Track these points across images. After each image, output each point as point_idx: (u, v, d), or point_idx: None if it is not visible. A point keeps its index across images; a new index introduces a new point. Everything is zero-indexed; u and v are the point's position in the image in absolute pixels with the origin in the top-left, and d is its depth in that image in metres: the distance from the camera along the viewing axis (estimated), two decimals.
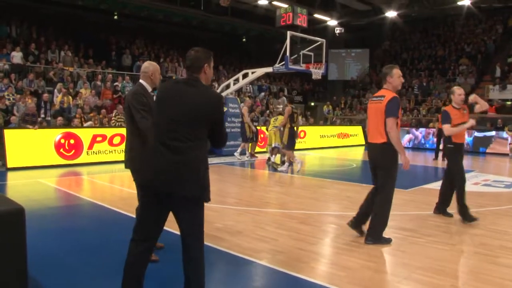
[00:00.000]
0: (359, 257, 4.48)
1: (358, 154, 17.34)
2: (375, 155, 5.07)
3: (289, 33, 13.00)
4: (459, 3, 22.49)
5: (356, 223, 5.25)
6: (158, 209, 2.98)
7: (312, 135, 18.95)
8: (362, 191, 8.55)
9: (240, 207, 6.79)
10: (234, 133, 14.08)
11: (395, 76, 4.94)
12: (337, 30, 26.59)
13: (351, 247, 4.81)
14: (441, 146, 14.81)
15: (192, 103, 2.92)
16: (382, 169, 4.99)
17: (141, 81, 4.19)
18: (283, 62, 13.07)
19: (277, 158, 11.86)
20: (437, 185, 9.18)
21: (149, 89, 4.16)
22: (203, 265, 3.02)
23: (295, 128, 11.14)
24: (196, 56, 3.05)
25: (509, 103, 21.60)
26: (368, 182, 9.51)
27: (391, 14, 24.19)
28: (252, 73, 14.20)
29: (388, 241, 4.98)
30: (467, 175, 10.61)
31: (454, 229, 5.70)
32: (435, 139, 16.63)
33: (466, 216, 5.95)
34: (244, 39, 30.46)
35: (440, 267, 4.26)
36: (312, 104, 28.65)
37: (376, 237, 4.94)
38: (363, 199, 5.29)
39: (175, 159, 2.86)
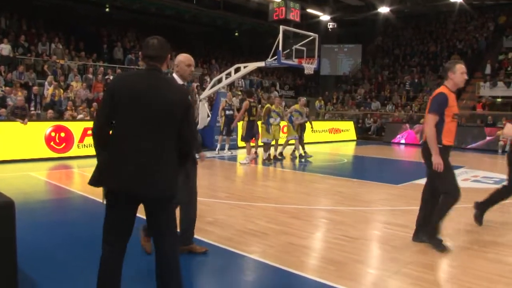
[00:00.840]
0: (349, 251, 4.50)
1: (350, 149, 17.41)
2: (422, 154, 4.78)
3: (281, 27, 12.96)
4: (451, 0, 22.58)
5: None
6: (131, 209, 2.84)
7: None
8: (353, 186, 8.62)
9: (231, 201, 6.79)
10: None
11: (458, 72, 4.60)
12: (330, 25, 26.62)
13: (342, 241, 4.83)
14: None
15: (164, 98, 2.72)
16: (429, 169, 4.72)
17: (173, 73, 4.06)
18: (276, 57, 13.05)
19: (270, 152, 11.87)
20: None
21: (180, 81, 3.93)
22: (180, 267, 2.92)
23: (257, 121, 11.78)
24: (161, 46, 2.85)
25: (499, 100, 21.77)
26: (359, 177, 9.60)
27: (383, 9, 24.25)
28: (244, 67, 14.16)
29: (442, 247, 4.57)
30: (457, 171, 10.73)
31: (444, 224, 5.73)
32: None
33: (480, 219, 5.70)
34: (236, 33, 30.37)
35: (430, 262, 4.29)
36: (304, 99, 28.63)
37: (430, 235, 4.68)
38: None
39: (149, 161, 2.69)
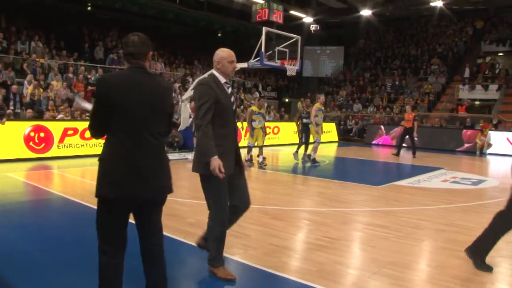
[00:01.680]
0: (330, 252, 4.53)
1: (331, 151, 17.52)
2: None
3: (264, 29, 12.97)
4: (432, 4, 22.92)
5: None
6: (128, 214, 2.80)
7: (285, 131, 19.05)
8: (335, 187, 8.68)
9: None
10: None
11: None
12: (313, 27, 26.75)
13: (323, 242, 4.86)
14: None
15: (156, 96, 2.74)
16: None
17: (212, 70, 3.77)
18: (258, 58, 13.05)
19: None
20: (407, 182, 9.38)
21: (222, 80, 3.68)
22: (165, 264, 2.95)
23: None
24: (142, 42, 2.80)
25: (477, 103, 22.18)
26: (340, 179, 9.67)
27: (366, 12, 24.48)
28: None
29: (486, 268, 4.13)
30: (436, 172, 10.95)
31: (423, 225, 5.83)
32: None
33: None
34: (219, 34, 30.33)
35: (409, 262, 4.36)
36: (287, 100, 28.79)
37: (476, 255, 4.21)
38: None
39: (152, 163, 2.69)
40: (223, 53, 3.67)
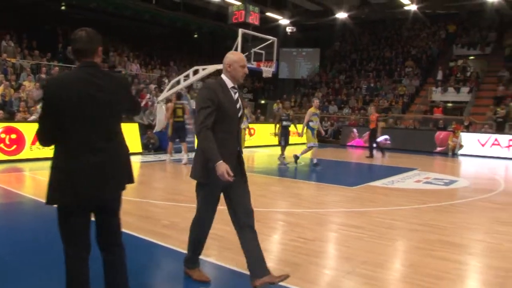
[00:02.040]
0: (305, 253, 4.56)
1: (307, 153, 17.60)
2: None
3: (240, 30, 12.99)
4: (406, 7, 23.32)
5: None
6: (86, 215, 2.74)
7: (261, 133, 19.09)
8: (310, 188, 8.74)
9: (189, 204, 6.73)
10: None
11: None
12: (289, 29, 26.89)
13: (298, 243, 4.89)
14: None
15: (109, 93, 2.63)
16: None
17: (222, 75, 3.57)
18: None
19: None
20: (381, 183, 9.51)
21: (229, 84, 3.48)
22: (127, 275, 2.94)
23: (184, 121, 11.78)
24: (89, 37, 2.66)
25: (450, 105, 22.65)
26: (315, 180, 9.75)
27: (341, 15, 24.72)
28: (203, 69, 14.10)
29: None
30: (410, 173, 11.14)
31: (397, 225, 5.92)
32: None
33: None
34: (196, 35, 30.21)
35: (382, 261, 4.42)
36: (263, 102, 28.85)
37: None
38: None
39: (104, 163, 2.61)
40: (235, 57, 3.49)
